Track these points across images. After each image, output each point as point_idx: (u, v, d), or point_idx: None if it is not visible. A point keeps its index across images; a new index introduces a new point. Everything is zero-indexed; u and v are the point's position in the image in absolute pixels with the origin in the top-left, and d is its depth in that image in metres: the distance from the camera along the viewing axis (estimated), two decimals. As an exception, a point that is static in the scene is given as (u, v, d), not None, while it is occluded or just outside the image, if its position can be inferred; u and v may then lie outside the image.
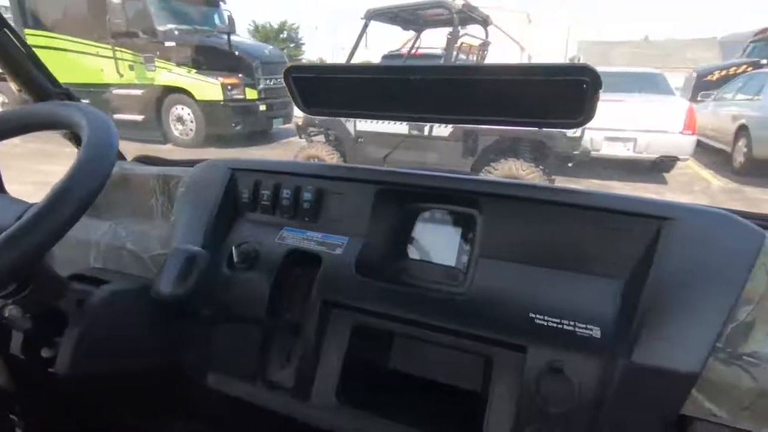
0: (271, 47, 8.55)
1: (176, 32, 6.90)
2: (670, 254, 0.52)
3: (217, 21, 7.96)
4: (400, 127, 4.09)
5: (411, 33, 5.02)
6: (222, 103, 6.81)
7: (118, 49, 6.82)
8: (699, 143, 5.48)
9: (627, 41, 23.94)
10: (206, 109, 6.79)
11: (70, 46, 7.04)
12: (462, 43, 4.45)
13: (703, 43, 19.94)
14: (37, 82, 0.87)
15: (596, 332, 0.52)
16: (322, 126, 4.72)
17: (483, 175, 0.78)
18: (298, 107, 0.80)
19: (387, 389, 0.66)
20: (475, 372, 0.62)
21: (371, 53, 7.61)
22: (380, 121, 3.61)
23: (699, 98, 7.07)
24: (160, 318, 0.66)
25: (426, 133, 4.02)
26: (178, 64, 6.83)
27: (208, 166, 0.82)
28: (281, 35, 25.55)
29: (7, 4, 7.16)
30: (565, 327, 0.53)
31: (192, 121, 6.96)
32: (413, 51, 5.24)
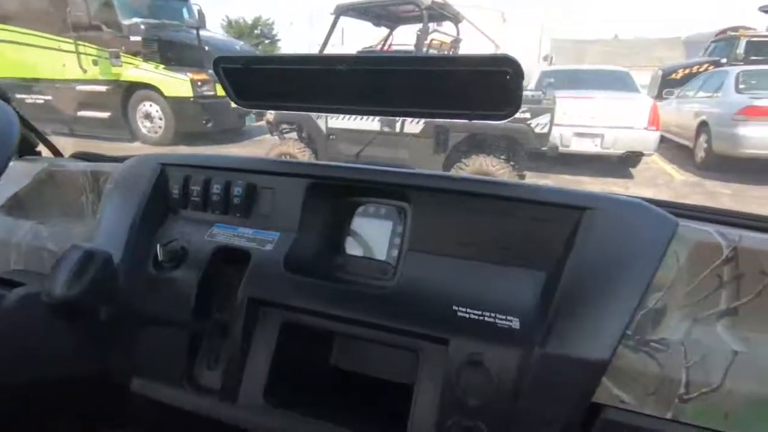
0: (242, 43, 8.39)
1: (142, 26, 6.68)
2: (587, 244, 0.52)
3: (186, 15, 7.77)
4: (372, 124, 4.08)
5: (387, 30, 5.01)
6: (192, 99, 6.64)
7: (80, 43, 6.56)
8: (664, 139, 5.66)
9: (599, 39, 24.52)
10: (175, 105, 6.62)
11: (28, 39, 6.73)
12: (432, 40, 4.46)
13: (669, 42, 20.61)
14: None
15: (515, 323, 0.52)
16: (294, 123, 4.66)
17: (417, 169, 0.77)
18: (231, 99, 0.77)
19: (318, 387, 0.65)
20: (406, 366, 0.61)
21: (346, 50, 7.57)
22: (351, 117, 3.63)
23: (664, 95, 7.30)
24: (70, 322, 0.63)
25: (397, 129, 4.01)
26: (146, 60, 6.63)
27: (137, 162, 0.79)
28: (255, 31, 25.12)
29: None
30: (486, 319, 0.53)
31: (161, 118, 6.77)
32: (386, 47, 5.23)
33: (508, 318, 0.52)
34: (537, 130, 3.62)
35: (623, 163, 5.32)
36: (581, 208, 0.54)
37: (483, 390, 0.51)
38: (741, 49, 7.87)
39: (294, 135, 4.83)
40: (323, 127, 4.28)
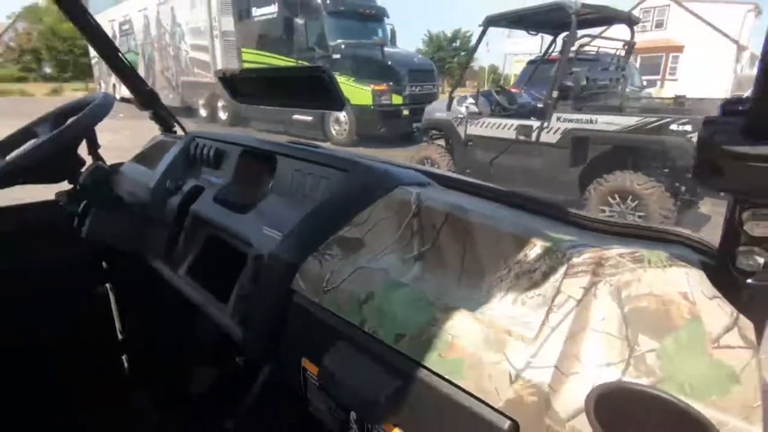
0: (420, 56, 9.13)
1: (343, 46, 8.05)
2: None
3: (380, 34, 8.94)
4: (508, 132, 4.04)
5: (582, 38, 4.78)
6: (371, 107, 7.66)
7: (300, 61, 8.31)
8: None
9: None
10: (358, 112, 7.74)
11: (267, 60, 8.87)
12: (581, 46, 4.11)
13: None
14: (138, 88, 1.40)
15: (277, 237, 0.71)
16: (441, 129, 4.96)
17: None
18: (231, 98, 1.11)
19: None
20: None
21: (492, 56, 7.39)
22: (492, 126, 3.86)
23: None
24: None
25: (533, 138, 3.88)
26: (341, 74, 7.96)
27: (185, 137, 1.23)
28: (453, 44, 26.23)
29: (232, 28, 9.42)
30: None
31: (346, 123, 8.01)
32: (548, 56, 5.03)
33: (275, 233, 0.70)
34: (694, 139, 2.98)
35: None
36: (343, 170, 0.70)
37: None
38: None
39: (442, 141, 5.13)
40: (462, 134, 4.45)
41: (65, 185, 1.10)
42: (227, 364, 0.86)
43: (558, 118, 3.69)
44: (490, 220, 0.52)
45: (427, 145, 5.15)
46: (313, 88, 0.75)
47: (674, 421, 0.34)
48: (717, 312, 0.38)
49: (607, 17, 4.03)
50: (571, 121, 3.62)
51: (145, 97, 1.39)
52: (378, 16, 8.95)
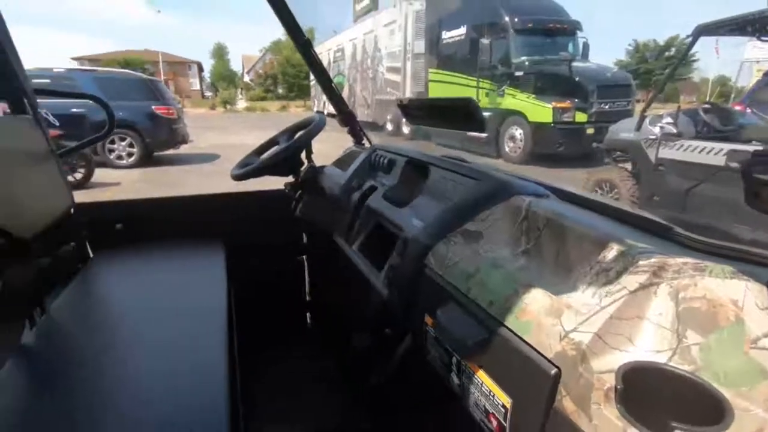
0: (615, 70, 8.27)
1: (526, 63, 7.96)
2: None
3: (569, 49, 8.50)
4: (715, 157, 3.44)
5: None
6: (551, 125, 7.36)
7: (481, 80, 8.57)
8: None
9: None
10: (536, 130, 7.54)
11: (451, 78, 9.39)
12: None
13: None
14: (341, 108, 1.83)
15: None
16: (626, 150, 4.50)
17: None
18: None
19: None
20: None
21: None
22: (693, 149, 3.58)
23: None
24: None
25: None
26: (522, 91, 7.88)
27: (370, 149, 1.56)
28: (666, 52, 22.70)
29: (422, 50, 10.29)
30: None
31: (521, 140, 7.88)
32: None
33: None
34: None
35: None
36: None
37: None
38: None
39: (628, 164, 4.64)
40: (652, 157, 3.96)
41: (289, 179, 1.56)
42: (379, 328, 1.12)
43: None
44: (582, 226, 0.63)
45: (609, 168, 4.73)
46: (463, 114, 0.95)
47: (694, 399, 0.43)
48: (762, 320, 0.44)
49: None
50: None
51: (345, 116, 1.82)
52: (569, 31, 8.54)
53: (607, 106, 7.33)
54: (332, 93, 1.75)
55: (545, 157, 7.47)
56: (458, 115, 0.99)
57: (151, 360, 0.88)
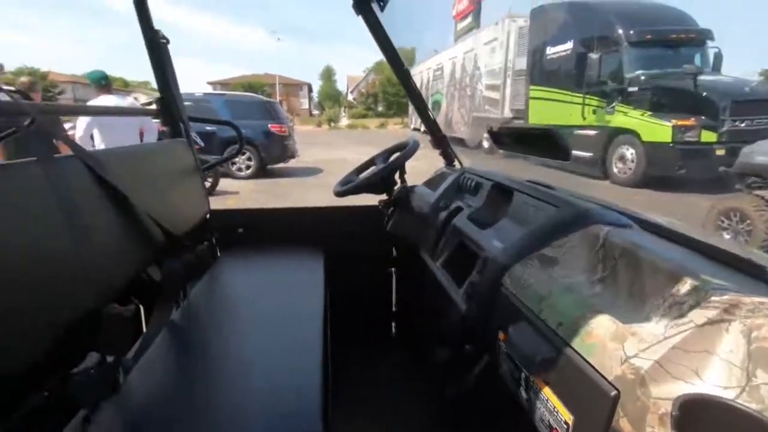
0: (754, 83, 7.13)
1: (642, 77, 7.30)
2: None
3: (697, 60, 7.61)
4: None
5: None
6: (670, 145, 6.64)
7: (587, 96, 8.06)
8: None
9: None
10: (650, 150, 6.86)
11: (553, 95, 9.00)
12: None
13: None
14: (433, 131, 1.94)
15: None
16: (763, 175, 3.91)
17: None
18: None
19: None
20: None
21: None
22: None
23: None
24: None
25: None
26: (635, 108, 7.23)
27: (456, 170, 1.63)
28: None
29: (523, 67, 10.03)
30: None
31: (632, 161, 7.21)
32: None
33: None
34: None
35: None
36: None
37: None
38: None
39: (766, 193, 4.01)
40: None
41: (383, 196, 1.71)
42: (459, 344, 1.19)
43: None
44: (658, 258, 0.64)
45: (740, 195, 4.14)
46: (547, 142, 0.99)
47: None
48: None
49: None
50: None
51: (437, 138, 1.92)
52: (696, 41, 7.65)
53: (743, 125, 6.39)
54: (427, 117, 1.87)
55: (661, 180, 6.74)
56: (544, 141, 1.03)
57: (259, 343, 1.06)
